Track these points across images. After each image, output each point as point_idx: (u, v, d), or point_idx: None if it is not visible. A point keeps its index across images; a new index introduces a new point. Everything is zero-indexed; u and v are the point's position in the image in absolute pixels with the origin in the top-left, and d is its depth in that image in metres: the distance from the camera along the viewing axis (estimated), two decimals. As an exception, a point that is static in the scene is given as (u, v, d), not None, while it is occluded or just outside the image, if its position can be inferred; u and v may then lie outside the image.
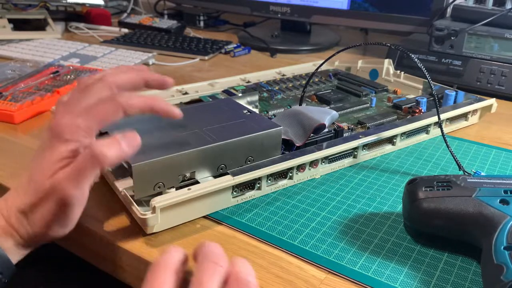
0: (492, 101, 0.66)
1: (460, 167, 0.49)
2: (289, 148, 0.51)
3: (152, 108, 0.40)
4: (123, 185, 0.44)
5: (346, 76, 0.78)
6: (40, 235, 0.37)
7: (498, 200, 0.38)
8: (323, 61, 0.62)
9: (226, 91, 0.69)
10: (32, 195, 0.37)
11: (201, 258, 0.33)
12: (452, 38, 0.80)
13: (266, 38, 1.08)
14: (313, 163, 0.50)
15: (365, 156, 0.55)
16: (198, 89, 0.72)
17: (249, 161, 0.47)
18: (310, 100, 0.69)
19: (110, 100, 0.38)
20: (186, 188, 0.41)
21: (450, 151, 0.50)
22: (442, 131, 0.51)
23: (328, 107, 0.65)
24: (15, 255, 0.38)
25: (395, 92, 0.73)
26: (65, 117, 0.37)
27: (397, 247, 0.41)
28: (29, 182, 0.37)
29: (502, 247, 0.34)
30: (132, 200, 0.42)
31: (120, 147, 0.36)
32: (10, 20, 1.03)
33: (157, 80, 0.43)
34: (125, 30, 1.16)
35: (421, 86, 0.72)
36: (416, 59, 0.51)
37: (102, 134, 0.47)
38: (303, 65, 0.87)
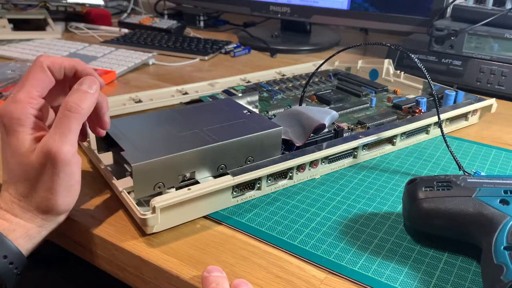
0: (492, 101, 0.66)
1: (460, 167, 0.49)
2: (289, 148, 0.51)
3: (74, 66, 0.42)
4: (123, 185, 0.44)
5: (346, 76, 0.78)
6: (47, 210, 0.38)
7: (498, 200, 0.38)
8: (323, 61, 0.62)
9: (226, 91, 0.69)
10: (25, 177, 0.37)
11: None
12: (452, 38, 0.80)
13: (266, 38, 1.08)
14: (313, 163, 0.50)
15: (365, 156, 0.55)
16: (198, 89, 0.72)
17: (249, 161, 0.47)
18: (310, 100, 0.69)
19: (32, 64, 0.40)
20: (186, 188, 0.41)
21: (450, 151, 0.50)
22: (442, 131, 0.51)
23: (328, 107, 0.65)
24: (25, 245, 0.38)
25: (395, 92, 0.73)
26: (5, 103, 0.39)
27: (397, 247, 0.41)
28: (13, 172, 0.38)
29: (502, 247, 0.34)
30: (132, 200, 0.42)
31: (89, 94, 0.39)
32: (10, 20, 1.03)
33: (88, 73, 0.43)
34: (125, 30, 1.16)
35: (421, 86, 0.72)
36: (416, 59, 0.51)
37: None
38: (303, 65, 0.87)
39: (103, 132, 0.45)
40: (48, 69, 0.41)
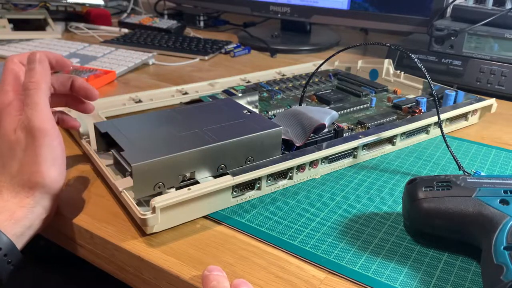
0: (492, 101, 0.66)
1: (460, 167, 0.49)
2: (289, 148, 0.51)
3: (45, 55, 0.45)
4: (123, 185, 0.44)
5: (346, 76, 0.78)
6: (34, 184, 0.39)
7: (498, 200, 0.38)
8: (323, 61, 0.62)
9: (226, 91, 0.69)
10: (11, 156, 0.40)
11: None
12: (452, 38, 0.80)
13: (266, 38, 1.08)
14: (313, 163, 0.50)
15: (365, 156, 0.55)
16: (198, 89, 0.72)
17: (249, 161, 0.47)
18: (310, 100, 0.69)
19: (5, 63, 0.45)
20: (186, 188, 0.41)
21: (450, 151, 0.50)
22: (442, 131, 0.51)
23: (328, 107, 0.65)
24: (12, 229, 0.38)
25: (395, 92, 0.73)
26: None
27: (397, 247, 0.41)
28: (2, 156, 0.41)
29: (502, 247, 0.34)
30: (132, 200, 0.42)
31: (34, 69, 0.42)
32: (10, 20, 1.03)
33: (58, 60, 0.47)
34: (125, 30, 1.16)
35: (421, 86, 0.72)
36: (416, 59, 0.51)
37: (102, 134, 0.47)
38: (303, 65, 0.87)
39: (92, 108, 0.50)
40: (19, 63, 0.45)
